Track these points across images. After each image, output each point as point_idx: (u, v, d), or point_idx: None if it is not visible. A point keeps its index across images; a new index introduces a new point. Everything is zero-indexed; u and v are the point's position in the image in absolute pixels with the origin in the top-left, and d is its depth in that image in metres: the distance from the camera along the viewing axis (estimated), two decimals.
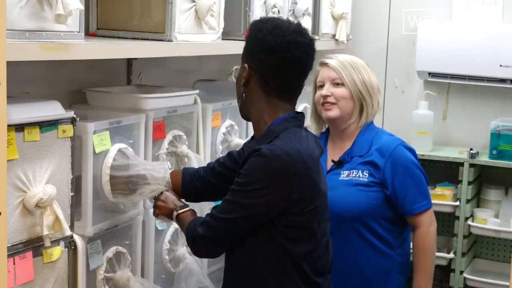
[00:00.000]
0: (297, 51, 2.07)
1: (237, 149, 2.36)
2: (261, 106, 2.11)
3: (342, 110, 2.62)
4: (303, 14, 3.42)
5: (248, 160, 2.03)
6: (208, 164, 2.36)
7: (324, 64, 2.67)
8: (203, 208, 2.71)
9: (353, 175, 2.60)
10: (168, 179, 2.26)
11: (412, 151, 2.67)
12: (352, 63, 2.65)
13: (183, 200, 2.30)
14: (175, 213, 2.20)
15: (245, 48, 2.15)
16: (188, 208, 2.21)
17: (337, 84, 2.62)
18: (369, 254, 2.59)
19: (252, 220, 2.03)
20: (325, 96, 2.63)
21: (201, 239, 2.09)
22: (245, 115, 2.21)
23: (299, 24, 2.14)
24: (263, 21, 2.15)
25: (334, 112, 2.63)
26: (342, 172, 2.62)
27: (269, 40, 2.06)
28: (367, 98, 2.63)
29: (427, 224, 2.63)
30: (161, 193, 2.25)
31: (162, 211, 2.24)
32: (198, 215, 2.71)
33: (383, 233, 2.60)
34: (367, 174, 2.59)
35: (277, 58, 2.07)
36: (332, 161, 2.65)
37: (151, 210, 2.34)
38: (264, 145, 2.02)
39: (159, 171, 2.26)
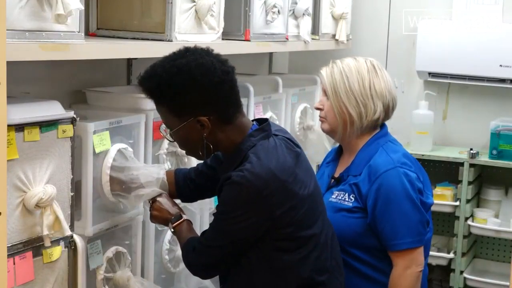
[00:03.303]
0: (223, 70, 2.04)
1: None
2: (228, 135, 2.08)
3: (330, 125, 2.43)
4: (303, 14, 3.42)
5: (222, 188, 2.03)
6: (197, 166, 2.35)
7: (320, 73, 2.49)
8: (204, 208, 2.71)
9: (340, 197, 2.37)
10: (162, 179, 2.25)
11: (410, 177, 2.31)
12: (344, 70, 2.40)
13: (178, 201, 2.32)
14: (170, 226, 2.22)
15: (188, 103, 2.02)
16: (182, 220, 2.21)
17: (328, 96, 2.43)
18: (358, 282, 2.33)
19: (240, 244, 2.05)
20: (317, 109, 2.49)
21: (195, 266, 2.15)
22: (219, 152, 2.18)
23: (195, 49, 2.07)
24: (173, 73, 2.00)
25: (324, 126, 2.47)
26: (334, 192, 2.40)
27: (208, 80, 2.00)
28: (355, 108, 2.37)
29: (404, 266, 2.29)
30: (155, 200, 2.25)
31: (158, 220, 2.26)
32: (198, 215, 2.71)
33: (372, 260, 2.35)
34: (353, 198, 2.35)
35: (221, 88, 2.02)
36: (333, 177, 2.47)
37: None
38: (234, 172, 2.00)
39: (153, 175, 2.25)
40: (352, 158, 2.43)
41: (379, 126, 2.47)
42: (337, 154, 2.55)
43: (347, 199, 2.36)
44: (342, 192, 2.39)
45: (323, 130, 2.50)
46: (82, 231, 2.15)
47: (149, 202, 2.26)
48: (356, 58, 2.46)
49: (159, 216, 2.24)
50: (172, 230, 2.21)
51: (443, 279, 4.04)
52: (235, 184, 1.98)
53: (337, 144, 2.59)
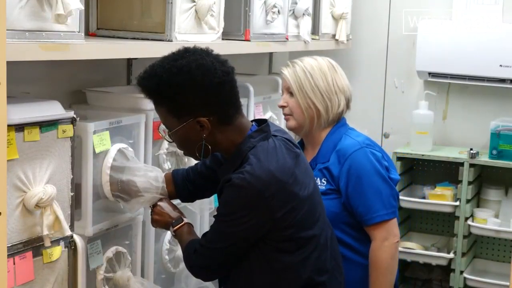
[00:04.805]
0: (224, 71, 2.03)
1: None
2: (227, 136, 2.07)
3: (297, 121, 2.55)
4: (303, 14, 3.42)
5: (223, 190, 2.03)
6: (196, 166, 2.34)
7: (281, 73, 2.59)
8: (204, 208, 2.71)
9: None
10: (162, 186, 2.26)
11: (376, 156, 2.48)
12: (306, 69, 2.53)
13: (177, 202, 2.32)
14: (171, 229, 2.22)
15: (188, 103, 2.01)
16: (183, 223, 2.21)
17: (291, 94, 2.54)
18: None
19: (241, 245, 2.05)
20: (281, 107, 2.59)
21: (197, 268, 2.14)
22: (218, 153, 2.18)
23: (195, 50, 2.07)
24: (173, 74, 1.99)
25: (290, 123, 2.57)
26: None
27: (208, 81, 1.99)
28: (321, 103, 2.51)
29: (381, 237, 2.42)
30: (156, 204, 2.25)
31: (159, 224, 2.27)
32: (198, 215, 2.71)
33: (349, 240, 2.46)
34: (325, 182, 2.48)
35: (222, 88, 2.02)
36: None
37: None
38: (234, 173, 2.00)
39: (151, 182, 2.25)
40: (316, 150, 2.57)
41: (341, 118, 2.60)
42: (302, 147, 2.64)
43: (319, 183, 2.47)
44: None
45: (289, 127, 2.59)
46: (82, 231, 2.15)
47: (150, 206, 2.27)
48: (314, 57, 2.60)
49: (160, 220, 2.24)
50: (173, 233, 2.22)
51: (443, 279, 4.04)
52: (235, 186, 1.98)
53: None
